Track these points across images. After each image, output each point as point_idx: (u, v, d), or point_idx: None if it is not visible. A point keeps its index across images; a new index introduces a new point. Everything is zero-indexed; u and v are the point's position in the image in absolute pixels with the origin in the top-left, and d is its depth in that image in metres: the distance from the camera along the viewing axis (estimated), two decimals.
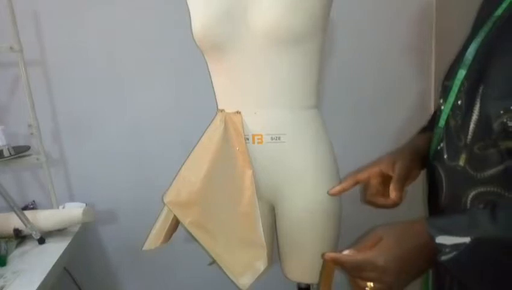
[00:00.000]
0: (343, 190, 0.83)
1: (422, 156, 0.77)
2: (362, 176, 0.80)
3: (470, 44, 0.65)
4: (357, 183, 0.81)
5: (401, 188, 0.73)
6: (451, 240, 0.53)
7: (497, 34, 0.61)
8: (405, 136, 1.46)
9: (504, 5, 0.61)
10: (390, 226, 0.59)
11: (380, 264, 0.55)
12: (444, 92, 0.70)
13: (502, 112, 0.54)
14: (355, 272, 0.58)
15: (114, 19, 1.34)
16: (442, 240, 0.53)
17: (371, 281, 0.58)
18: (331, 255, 0.60)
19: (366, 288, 0.58)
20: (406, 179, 0.75)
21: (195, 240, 0.94)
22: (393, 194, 0.72)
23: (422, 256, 0.55)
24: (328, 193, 0.85)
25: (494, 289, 0.58)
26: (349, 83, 1.42)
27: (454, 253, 0.52)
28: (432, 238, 0.54)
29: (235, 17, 0.91)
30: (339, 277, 0.66)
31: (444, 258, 0.53)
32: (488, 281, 0.56)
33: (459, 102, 0.65)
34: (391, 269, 0.55)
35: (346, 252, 0.60)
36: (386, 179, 0.77)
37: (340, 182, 0.86)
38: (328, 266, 0.65)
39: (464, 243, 0.52)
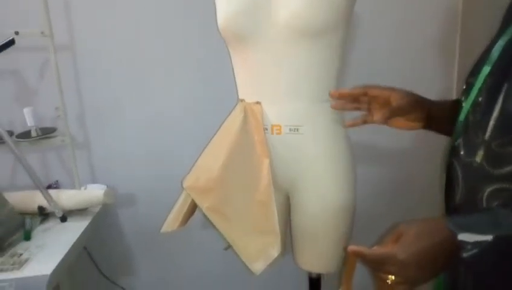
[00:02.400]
0: (349, 94, 0.87)
1: (434, 115, 0.83)
2: (372, 91, 0.86)
3: (496, 41, 0.65)
4: (364, 94, 0.86)
5: (389, 117, 0.81)
6: (474, 237, 0.53)
7: None
8: (423, 133, 1.45)
9: None
10: (411, 222, 0.60)
11: (400, 258, 0.56)
12: (467, 88, 0.70)
13: None
14: (377, 265, 0.59)
15: (142, 10, 1.38)
16: (465, 237, 0.54)
17: (392, 274, 0.58)
18: (353, 248, 0.61)
19: (388, 281, 0.59)
20: (400, 114, 0.82)
21: (212, 225, 0.96)
22: (377, 116, 0.81)
23: (442, 253, 0.56)
24: (330, 93, 0.88)
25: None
26: (369, 79, 1.41)
27: (476, 250, 0.53)
28: (454, 235, 0.54)
29: (259, 8, 0.93)
30: (361, 270, 0.67)
31: (465, 255, 0.53)
32: (508, 279, 0.56)
33: (480, 99, 0.65)
34: (412, 263, 0.56)
35: (372, 248, 0.61)
36: (388, 105, 0.83)
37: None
38: (350, 259, 0.66)
39: (486, 241, 0.52)
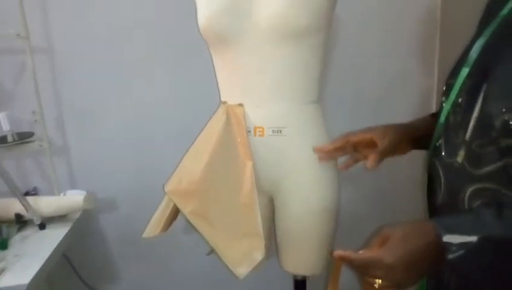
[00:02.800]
0: (334, 148, 0.89)
1: (417, 136, 0.83)
2: (354, 138, 0.88)
3: (474, 43, 0.65)
4: (347, 143, 0.88)
5: (380, 160, 0.81)
6: (458, 238, 0.53)
7: (502, 33, 0.61)
8: None
9: (510, 5, 0.61)
10: (397, 225, 0.60)
11: (387, 262, 0.56)
12: (447, 89, 0.71)
13: (504, 110, 0.55)
14: (364, 269, 0.59)
15: (120, 9, 1.35)
16: (450, 239, 0.54)
17: (379, 278, 0.58)
18: (339, 253, 0.61)
19: (375, 285, 0.59)
20: (389, 153, 0.83)
21: (195, 229, 0.95)
22: (369, 163, 0.81)
23: (429, 255, 0.56)
24: (313, 149, 0.91)
25: (499, 287, 0.59)
26: (351, 79, 1.43)
27: (461, 252, 0.53)
28: (439, 237, 0.54)
29: (240, 9, 0.92)
30: (348, 274, 0.67)
31: (451, 256, 0.53)
32: (493, 279, 0.56)
33: (460, 100, 0.66)
34: (398, 267, 0.56)
35: (359, 252, 0.61)
36: (373, 145, 0.84)
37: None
38: (336, 264, 0.66)
39: (471, 242, 0.53)
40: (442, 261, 0.54)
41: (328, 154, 0.89)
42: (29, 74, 1.26)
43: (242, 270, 0.93)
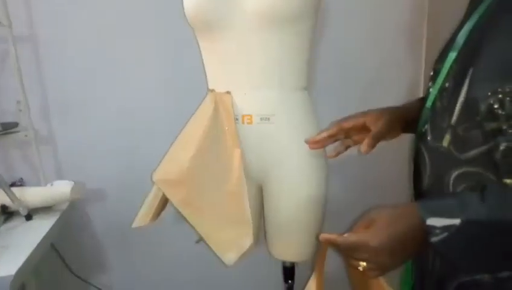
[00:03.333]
0: (328, 136, 0.86)
1: (409, 119, 0.81)
2: (347, 124, 0.85)
3: (462, 27, 0.65)
4: (341, 130, 0.85)
5: (374, 144, 0.80)
6: (442, 221, 0.54)
7: (489, 18, 0.61)
8: None
9: None
10: (382, 208, 0.60)
11: (372, 245, 0.57)
12: (434, 74, 0.71)
13: (489, 93, 0.55)
14: (349, 252, 0.60)
15: None
16: (433, 221, 0.54)
17: (364, 261, 0.59)
18: (325, 236, 0.61)
19: (360, 268, 0.60)
20: (382, 137, 0.81)
21: (183, 218, 0.95)
22: (364, 147, 0.79)
23: (414, 237, 0.56)
24: (306, 141, 0.88)
25: (482, 269, 0.60)
26: (339, 66, 1.43)
27: (445, 235, 0.53)
28: (423, 220, 0.55)
29: None
30: (334, 258, 0.67)
31: (434, 239, 0.54)
32: (477, 262, 0.57)
33: (447, 84, 0.66)
34: (383, 250, 0.56)
35: (344, 235, 0.61)
36: (366, 130, 0.82)
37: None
38: (322, 247, 0.66)
39: (454, 225, 0.53)
40: (426, 244, 0.55)
41: (321, 143, 0.88)
42: (13, 63, 1.24)
43: (230, 257, 0.93)
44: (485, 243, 0.55)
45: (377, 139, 0.80)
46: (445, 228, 0.54)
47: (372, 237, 0.57)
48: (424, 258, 0.72)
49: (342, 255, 0.62)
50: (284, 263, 1.19)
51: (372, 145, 0.79)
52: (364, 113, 0.84)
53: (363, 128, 0.83)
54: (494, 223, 0.53)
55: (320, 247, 0.68)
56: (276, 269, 1.24)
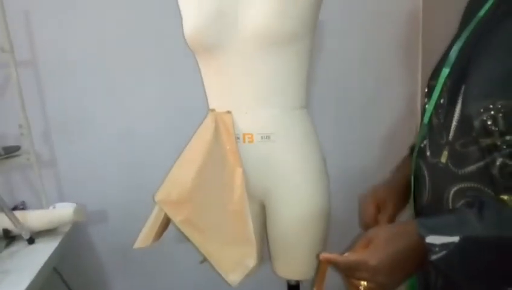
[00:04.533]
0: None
1: (405, 191, 0.80)
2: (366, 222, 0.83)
3: (454, 43, 0.67)
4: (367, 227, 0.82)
5: (394, 221, 0.80)
6: (441, 239, 0.54)
7: (479, 34, 0.63)
8: (392, 137, 1.49)
9: (487, 6, 0.63)
10: (381, 227, 0.61)
11: (372, 264, 0.56)
12: (429, 91, 0.72)
13: (482, 110, 0.56)
14: (349, 272, 0.60)
15: (105, 20, 1.35)
16: (432, 239, 0.54)
17: (364, 280, 0.59)
18: (325, 255, 0.61)
19: (360, 287, 0.60)
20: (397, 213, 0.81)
21: (186, 238, 0.95)
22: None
23: (413, 256, 0.56)
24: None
25: (483, 286, 0.59)
26: (336, 83, 1.45)
27: (444, 252, 0.53)
28: (422, 238, 0.55)
29: (226, 18, 0.93)
30: (335, 277, 0.67)
31: (433, 257, 0.54)
32: (476, 279, 0.57)
33: (442, 100, 0.67)
34: (383, 268, 0.56)
35: (343, 255, 0.61)
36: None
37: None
38: (322, 266, 0.66)
39: (453, 243, 0.53)
40: (426, 262, 0.55)
41: None
42: (14, 88, 1.25)
43: (234, 278, 0.93)
44: (484, 259, 0.54)
45: (394, 218, 0.80)
46: (444, 246, 0.54)
47: (371, 256, 0.57)
48: (428, 276, 0.72)
49: (341, 275, 0.62)
50: (288, 281, 1.18)
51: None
52: (372, 200, 0.82)
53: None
54: (491, 239, 0.53)
55: (319, 266, 0.67)
56: (281, 287, 1.23)
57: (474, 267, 0.55)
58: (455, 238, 0.53)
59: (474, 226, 0.54)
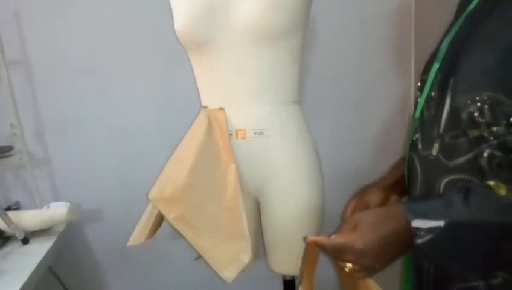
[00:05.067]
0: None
1: (389, 189, 0.82)
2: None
3: (444, 38, 0.67)
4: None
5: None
6: (427, 223, 0.54)
7: (467, 28, 0.63)
8: (386, 134, 1.49)
9: (476, 0, 0.63)
10: (368, 211, 0.61)
11: (358, 247, 0.57)
12: (421, 85, 0.72)
13: (469, 102, 0.57)
14: (336, 254, 0.61)
15: (97, 18, 1.34)
16: (418, 223, 0.55)
17: (350, 262, 0.60)
18: (312, 238, 0.62)
19: (346, 269, 0.60)
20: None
21: (180, 235, 0.94)
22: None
23: (399, 239, 0.57)
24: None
25: (467, 270, 0.60)
26: (330, 80, 1.45)
27: (430, 236, 0.54)
28: (408, 222, 0.55)
29: (217, 14, 0.92)
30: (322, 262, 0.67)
31: (419, 241, 0.54)
32: (462, 263, 0.57)
33: (433, 94, 0.68)
34: (369, 251, 0.57)
35: (331, 237, 0.62)
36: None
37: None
38: (310, 249, 0.67)
39: (439, 227, 0.54)
40: (412, 246, 0.55)
41: None
42: (6, 87, 1.24)
43: (229, 274, 0.93)
44: (469, 244, 0.55)
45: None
46: (430, 230, 0.54)
47: (358, 239, 0.58)
48: (421, 262, 0.72)
49: (329, 257, 0.63)
50: (284, 276, 1.18)
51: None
52: (360, 198, 0.83)
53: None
54: (477, 224, 0.54)
55: (306, 249, 0.68)
56: (276, 282, 1.23)
57: (460, 252, 0.56)
58: (440, 223, 0.54)
59: (460, 211, 0.54)
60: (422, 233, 0.54)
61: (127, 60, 1.37)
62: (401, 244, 0.57)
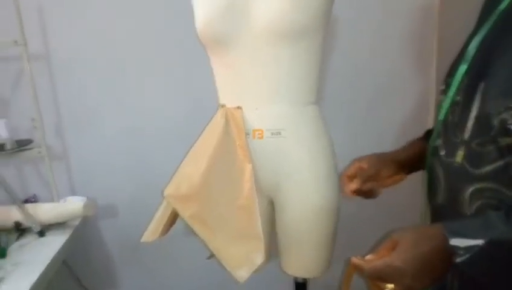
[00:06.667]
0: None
1: (401, 160, 0.85)
2: (349, 172, 0.87)
3: (472, 38, 0.65)
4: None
5: (363, 181, 0.83)
6: (465, 242, 0.53)
7: (500, 28, 0.61)
8: (404, 134, 1.46)
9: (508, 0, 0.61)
10: (405, 230, 0.59)
11: (398, 266, 0.55)
12: (446, 88, 0.70)
13: (502, 109, 0.54)
14: (376, 275, 0.58)
15: (117, 14, 1.35)
16: (456, 242, 0.53)
17: (390, 283, 0.58)
18: (355, 261, 0.60)
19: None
20: (371, 178, 0.84)
21: (194, 233, 0.94)
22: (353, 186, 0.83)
23: (438, 258, 0.55)
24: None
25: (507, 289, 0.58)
26: (349, 80, 1.43)
27: (468, 255, 0.52)
28: (446, 241, 0.54)
29: (237, 11, 0.92)
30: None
31: (458, 260, 0.53)
32: (501, 282, 0.56)
33: (458, 98, 0.65)
34: (409, 271, 0.55)
35: (366, 257, 0.60)
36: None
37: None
38: (350, 270, 0.65)
39: (477, 245, 0.52)
40: (451, 265, 0.54)
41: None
42: (27, 81, 1.26)
43: (242, 274, 0.92)
44: (509, 263, 0.53)
45: (364, 179, 0.83)
46: (468, 249, 0.53)
47: (398, 258, 0.56)
48: (443, 282, 0.70)
49: (366, 279, 0.61)
50: (295, 279, 1.17)
51: (362, 183, 0.82)
52: (372, 165, 0.85)
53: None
54: None
55: (348, 269, 0.66)
56: (288, 284, 1.22)
57: (499, 272, 0.54)
58: (479, 241, 0.52)
59: (499, 230, 0.53)
60: (461, 252, 0.53)
61: (146, 58, 1.38)
62: (442, 263, 0.55)
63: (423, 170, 0.83)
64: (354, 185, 0.83)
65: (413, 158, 0.84)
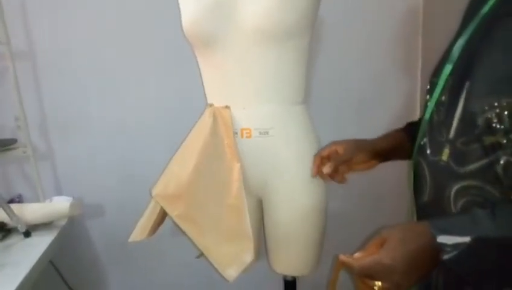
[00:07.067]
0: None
1: (378, 148, 0.91)
2: (324, 153, 0.94)
3: (457, 40, 0.66)
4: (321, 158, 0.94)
5: (336, 165, 0.89)
6: (452, 239, 0.54)
7: (483, 31, 0.62)
8: None
9: (491, 2, 0.62)
10: (394, 227, 0.60)
11: (387, 263, 0.56)
12: (431, 88, 0.71)
13: (486, 108, 0.56)
14: (364, 272, 0.59)
15: (103, 14, 1.33)
16: (444, 239, 0.54)
17: (378, 280, 0.58)
18: (343, 258, 0.61)
19: (375, 287, 0.59)
20: (345, 161, 0.90)
21: (183, 232, 0.94)
22: (327, 169, 0.89)
23: (427, 255, 0.56)
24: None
25: (493, 287, 0.59)
26: (336, 80, 1.44)
27: (455, 252, 0.53)
28: (434, 238, 0.55)
29: (224, 11, 0.92)
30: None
31: (446, 257, 0.54)
32: (488, 279, 0.57)
33: (443, 98, 0.67)
34: (398, 267, 0.56)
35: (355, 255, 0.61)
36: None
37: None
38: (337, 266, 0.65)
39: (464, 243, 0.53)
40: (438, 262, 0.55)
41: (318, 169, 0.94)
42: (11, 80, 1.24)
43: (231, 273, 0.93)
44: (495, 260, 0.54)
45: (338, 162, 0.89)
46: (455, 246, 0.53)
47: (386, 255, 0.57)
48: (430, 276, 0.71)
49: (353, 276, 0.61)
50: (285, 277, 1.18)
51: (335, 166, 0.88)
52: (347, 150, 0.91)
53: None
54: (503, 240, 0.53)
55: (335, 266, 0.66)
56: (277, 283, 1.23)
57: (486, 268, 0.55)
58: (466, 239, 0.53)
59: (486, 227, 0.54)
60: (448, 249, 0.54)
61: (132, 57, 1.37)
62: (429, 260, 0.56)
63: (398, 159, 0.90)
64: (326, 169, 0.89)
65: (390, 148, 0.90)
